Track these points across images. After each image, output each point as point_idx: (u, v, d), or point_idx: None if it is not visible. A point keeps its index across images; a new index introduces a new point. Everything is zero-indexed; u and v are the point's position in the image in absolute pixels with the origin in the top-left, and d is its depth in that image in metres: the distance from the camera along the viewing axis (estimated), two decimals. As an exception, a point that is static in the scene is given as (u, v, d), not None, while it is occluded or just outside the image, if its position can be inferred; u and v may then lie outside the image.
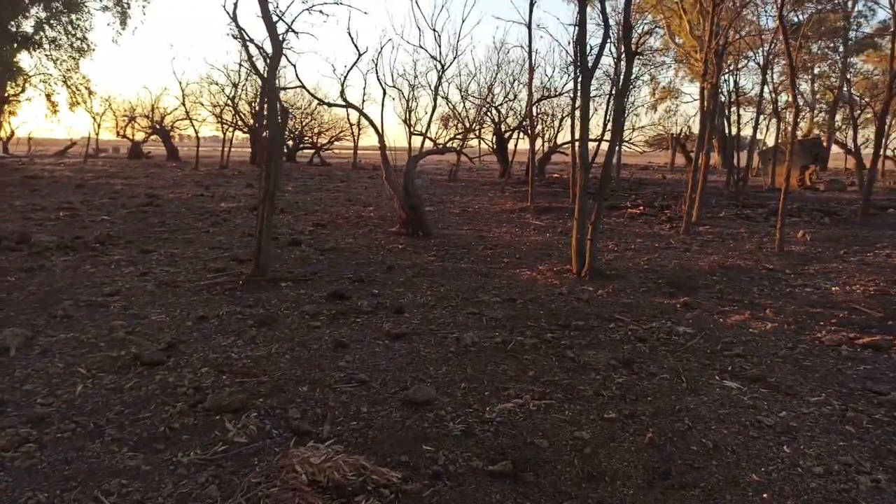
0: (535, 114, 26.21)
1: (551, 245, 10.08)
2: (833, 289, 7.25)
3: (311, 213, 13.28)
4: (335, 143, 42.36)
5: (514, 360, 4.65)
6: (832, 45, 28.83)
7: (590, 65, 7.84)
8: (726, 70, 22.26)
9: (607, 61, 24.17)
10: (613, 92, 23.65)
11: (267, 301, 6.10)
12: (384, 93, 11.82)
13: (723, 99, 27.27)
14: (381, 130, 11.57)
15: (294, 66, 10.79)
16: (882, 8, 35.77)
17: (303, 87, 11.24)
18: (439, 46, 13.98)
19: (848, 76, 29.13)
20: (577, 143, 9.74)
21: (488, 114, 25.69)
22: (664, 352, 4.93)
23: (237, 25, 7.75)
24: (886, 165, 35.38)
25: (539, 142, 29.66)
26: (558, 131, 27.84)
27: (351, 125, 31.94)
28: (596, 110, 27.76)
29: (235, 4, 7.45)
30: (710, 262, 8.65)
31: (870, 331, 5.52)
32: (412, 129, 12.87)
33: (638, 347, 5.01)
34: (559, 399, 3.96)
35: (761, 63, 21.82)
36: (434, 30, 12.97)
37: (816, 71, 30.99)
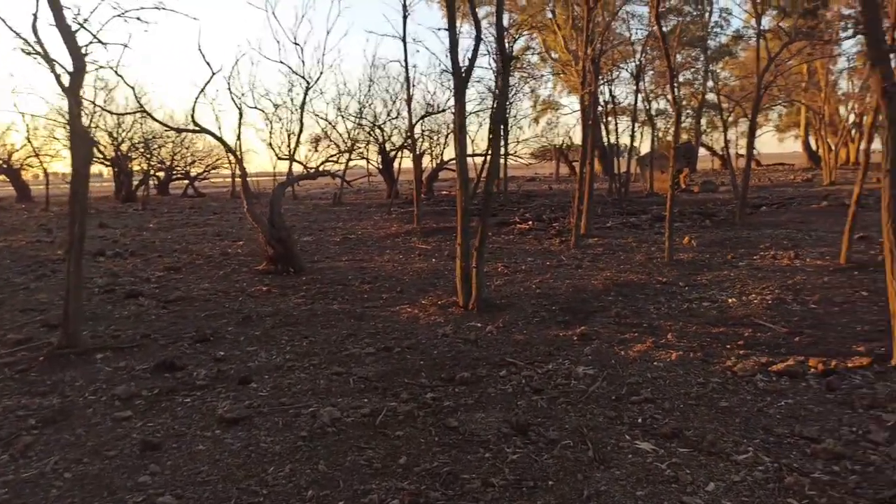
0: (420, 131, 25.64)
1: (437, 272, 9.22)
2: (730, 300, 6.84)
3: (168, 254, 11.67)
4: (213, 171, 39.82)
5: (383, 441, 3.65)
6: (694, 53, 30.41)
7: (463, 72, 7.06)
8: (602, 80, 22.73)
9: (489, 75, 24.03)
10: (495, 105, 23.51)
11: (69, 384, 4.73)
12: (241, 114, 10.55)
13: (600, 109, 27.99)
14: (239, 156, 10.29)
15: (133, 88, 9.28)
16: (736, 17, 38.41)
17: (144, 111, 9.76)
18: (303, 62, 12.83)
19: (710, 83, 30.79)
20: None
21: (371, 133, 24.76)
22: (564, 405, 4.11)
23: (36, 37, 6.29)
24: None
25: (427, 159, 29.14)
26: (444, 147, 27.38)
27: (228, 152, 29.81)
28: (481, 125, 27.60)
29: (35, 16, 6.01)
30: (604, 280, 8.10)
31: (779, 351, 5.02)
32: (278, 153, 11.61)
33: (534, 402, 4.17)
34: (437, 499, 3.00)
35: (634, 72, 22.39)
36: (296, 43, 11.85)
37: (682, 79, 32.61)
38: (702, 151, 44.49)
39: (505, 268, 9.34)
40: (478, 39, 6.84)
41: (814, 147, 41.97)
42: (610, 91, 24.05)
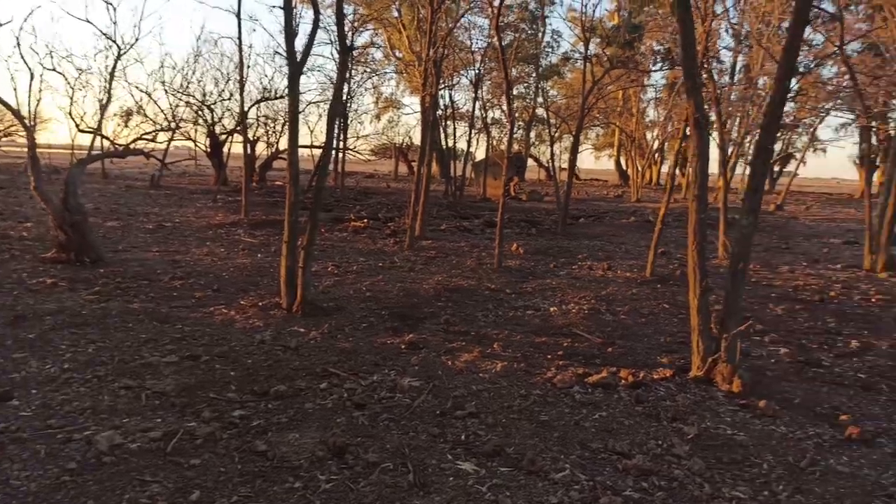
0: (255, 117, 24.15)
1: (261, 269, 8.56)
2: (552, 309, 7.09)
3: (-75, 234, 9.66)
4: (6, 138, 34.41)
5: (173, 472, 3.13)
6: (528, 69, 32.13)
7: (299, 57, 6.55)
8: (444, 84, 23.10)
9: (332, 65, 23.23)
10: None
11: None
12: (31, 75, 8.97)
13: (440, 112, 28.49)
14: (29, 123, 8.77)
15: None
16: (566, 40, 41.35)
17: None
18: (115, 23, 11.35)
19: (539, 99, 32.74)
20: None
21: (199, 113, 22.84)
22: (387, 422, 3.86)
23: None
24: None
25: (261, 146, 27.58)
26: (280, 136, 26.12)
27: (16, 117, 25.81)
28: (321, 116, 26.66)
29: None
30: (436, 284, 8.04)
31: (595, 362, 5.22)
32: (80, 125, 10.12)
33: (355, 419, 3.87)
34: (232, 544, 2.58)
35: (473, 80, 22.97)
36: (107, 1, 10.41)
37: (516, 92, 34.34)
38: (530, 162, 47.33)
39: (336, 268, 8.94)
40: (315, 24, 6.39)
41: (624, 166, 46.52)
42: (450, 96, 24.53)
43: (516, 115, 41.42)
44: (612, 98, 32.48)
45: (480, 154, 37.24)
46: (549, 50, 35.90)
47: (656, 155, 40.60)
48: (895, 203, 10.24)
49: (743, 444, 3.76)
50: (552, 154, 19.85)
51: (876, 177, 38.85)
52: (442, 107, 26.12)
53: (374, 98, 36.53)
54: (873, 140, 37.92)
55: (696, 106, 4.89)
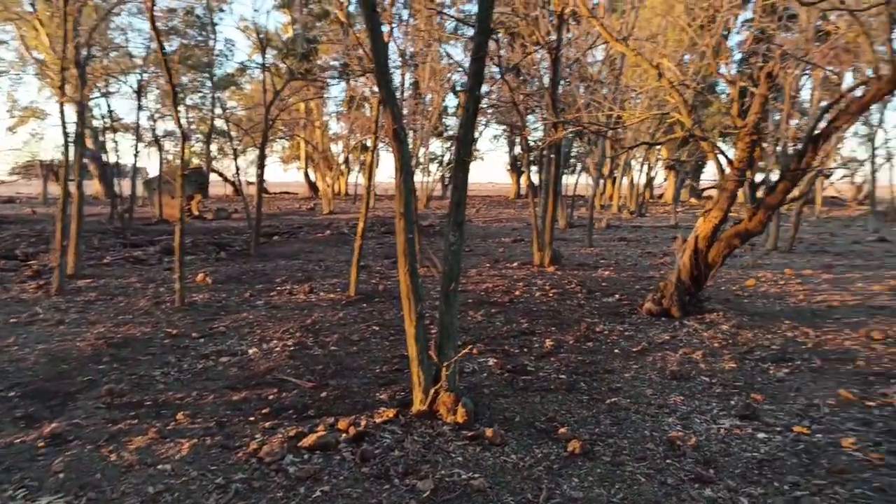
0: None
1: None
2: (251, 351, 6.08)
3: None
4: None
5: None
6: (201, 78, 29.65)
7: None
8: (99, 91, 19.71)
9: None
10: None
11: None
12: None
13: (97, 123, 24.43)
14: None
15: None
16: (242, 50, 39.47)
17: None
18: None
19: (218, 110, 30.54)
20: None
21: None
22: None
23: None
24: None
25: None
26: None
27: None
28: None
29: None
30: (95, 339, 6.32)
31: (308, 415, 4.43)
32: None
33: None
34: None
35: (136, 88, 20.10)
36: None
37: (191, 102, 31.49)
38: (214, 177, 44.14)
39: (-62, 334, 6.46)
40: None
41: (312, 178, 46.55)
42: (108, 104, 21.09)
43: (193, 126, 38.21)
44: (294, 110, 31.99)
45: (154, 170, 33.25)
46: (224, 59, 33.80)
47: (343, 167, 41.54)
48: (553, 204, 11.65)
49: (480, 490, 3.38)
50: (237, 168, 18.30)
51: (523, 180, 45.91)
52: (99, 116, 22.42)
53: (7, 106, 29.83)
54: (518, 150, 44.76)
55: (393, 117, 4.45)
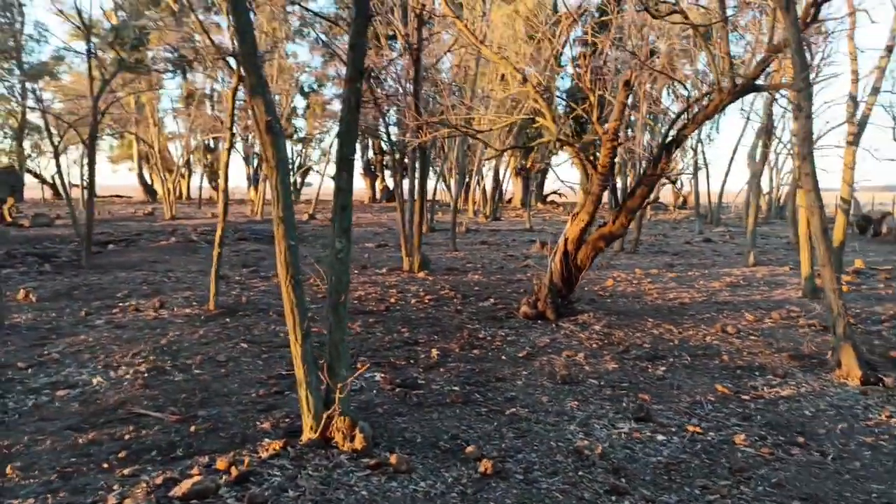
0: None
1: None
2: (95, 380, 5.18)
3: None
4: None
5: None
6: (7, 66, 25.85)
7: None
8: None
9: None
10: None
11: None
12: None
13: None
14: None
15: None
16: (57, 36, 35.15)
17: None
18: None
19: (31, 102, 26.88)
20: None
21: None
22: None
23: None
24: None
25: None
26: None
27: None
28: None
29: None
30: None
31: (177, 455, 3.79)
32: None
33: None
34: None
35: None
36: None
37: (-2, 92, 27.45)
38: (29, 179, 38.84)
39: None
40: None
41: (149, 181, 42.73)
42: None
43: (1, 121, 33.38)
44: (125, 105, 29.09)
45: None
46: (35, 45, 29.87)
47: (183, 168, 38.51)
48: (421, 208, 11.50)
49: (394, 526, 3.05)
50: (59, 168, 16.07)
51: (377, 184, 45.64)
52: None
53: None
54: (371, 153, 44.43)
55: (266, 107, 3.95)
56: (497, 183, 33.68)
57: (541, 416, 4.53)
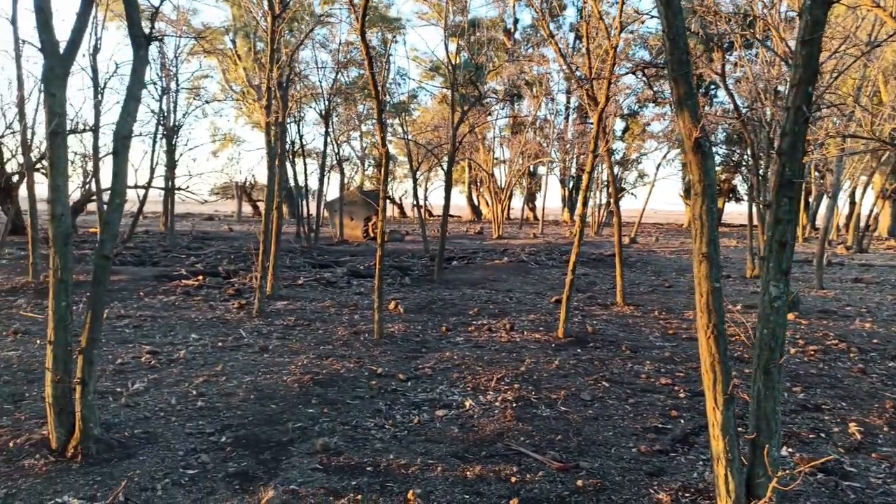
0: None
1: (34, 372, 5.75)
2: (467, 403, 5.18)
3: None
4: None
5: None
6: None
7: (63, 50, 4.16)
8: (291, 118, 20.79)
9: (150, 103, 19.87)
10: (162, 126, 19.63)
11: None
12: None
13: (287, 147, 26.02)
14: None
15: None
16: (411, 79, 40.64)
17: None
18: None
19: (390, 136, 31.35)
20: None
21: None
22: None
23: None
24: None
25: (74, 186, 23.12)
26: (92, 176, 22.01)
27: None
28: (145, 153, 23.05)
29: None
30: (301, 373, 5.81)
31: (572, 517, 3.37)
32: None
33: None
34: None
35: (322, 114, 20.97)
36: None
37: (364, 129, 32.76)
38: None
39: (153, 356, 6.35)
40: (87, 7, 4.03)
41: (475, 202, 46.65)
42: (298, 129, 22.24)
43: (366, 151, 39.88)
44: (466, 134, 31.99)
45: (333, 193, 34.99)
46: (395, 87, 34.94)
47: (506, 191, 41.04)
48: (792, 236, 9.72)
49: None
50: (415, 190, 18.20)
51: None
52: (289, 141, 23.76)
53: (210, 133, 33.13)
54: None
55: (694, 119, 3.32)
56: (854, 206, 28.10)
57: None
